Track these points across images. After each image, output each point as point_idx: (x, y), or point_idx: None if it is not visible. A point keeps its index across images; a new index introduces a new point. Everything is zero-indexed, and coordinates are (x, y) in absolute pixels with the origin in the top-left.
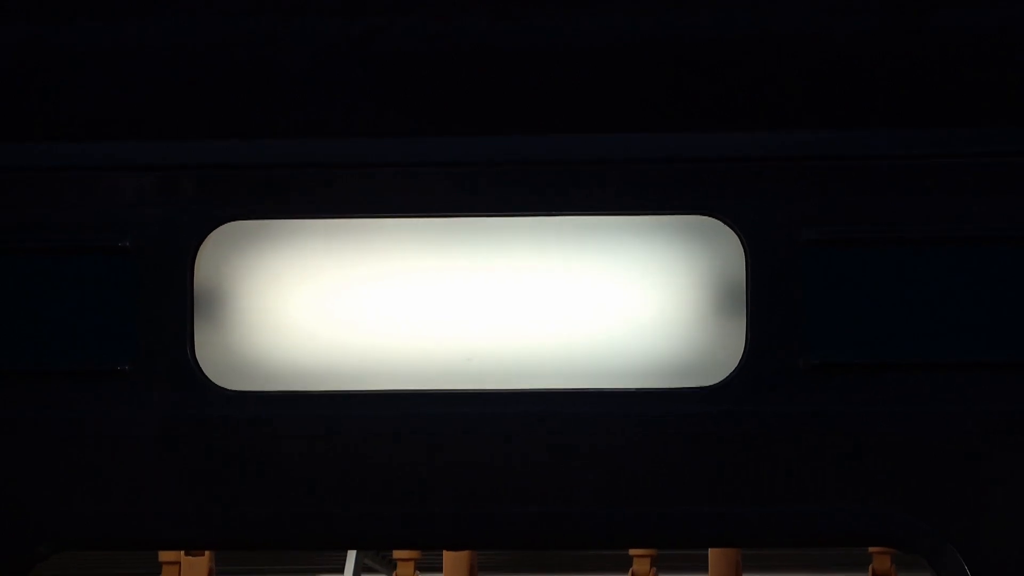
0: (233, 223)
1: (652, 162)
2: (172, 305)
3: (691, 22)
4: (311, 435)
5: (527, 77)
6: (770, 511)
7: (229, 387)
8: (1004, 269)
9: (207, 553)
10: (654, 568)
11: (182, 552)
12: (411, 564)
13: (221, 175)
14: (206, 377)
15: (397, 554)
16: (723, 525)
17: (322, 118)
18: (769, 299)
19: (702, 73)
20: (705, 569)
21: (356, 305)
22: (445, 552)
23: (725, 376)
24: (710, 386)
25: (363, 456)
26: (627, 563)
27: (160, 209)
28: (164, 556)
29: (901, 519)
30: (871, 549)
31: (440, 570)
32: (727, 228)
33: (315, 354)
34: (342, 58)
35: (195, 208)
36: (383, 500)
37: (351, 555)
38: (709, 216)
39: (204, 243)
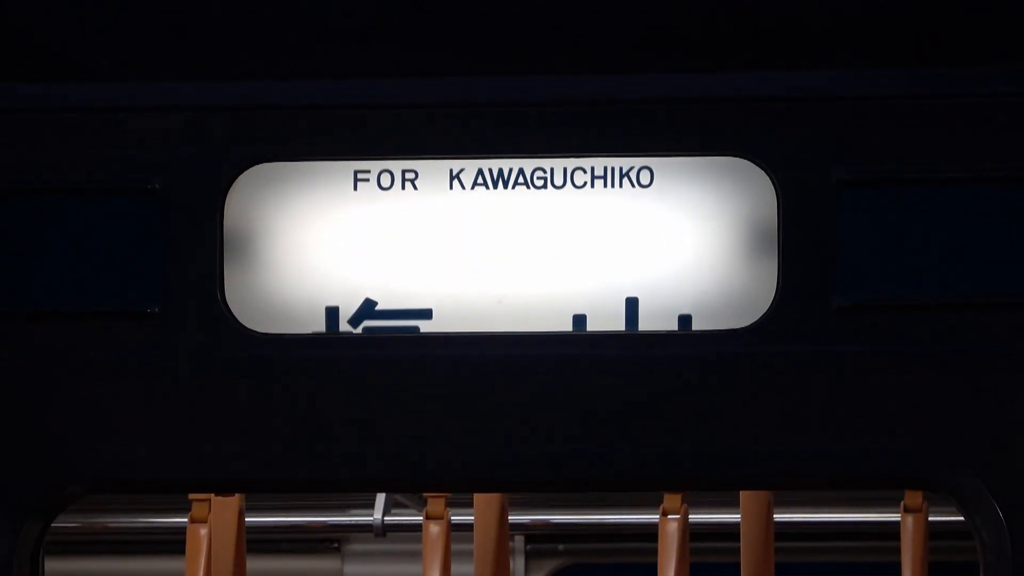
0: (263, 165)
1: (685, 103)
2: (202, 247)
3: None
4: (340, 377)
5: (560, 19)
6: (800, 451)
7: (258, 329)
8: None
9: None
10: (685, 504)
11: None
12: (441, 500)
13: (251, 116)
14: (235, 319)
15: None
16: (754, 466)
17: (352, 59)
18: (802, 240)
19: (734, 13)
20: (736, 505)
21: (385, 247)
22: None
23: (758, 317)
24: (743, 328)
25: (391, 398)
26: (657, 499)
27: (189, 150)
28: (194, 494)
29: (930, 458)
30: None
31: (471, 505)
32: (760, 169)
33: (344, 296)
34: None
35: (225, 149)
36: (412, 442)
37: None
38: (742, 157)
39: (234, 185)
